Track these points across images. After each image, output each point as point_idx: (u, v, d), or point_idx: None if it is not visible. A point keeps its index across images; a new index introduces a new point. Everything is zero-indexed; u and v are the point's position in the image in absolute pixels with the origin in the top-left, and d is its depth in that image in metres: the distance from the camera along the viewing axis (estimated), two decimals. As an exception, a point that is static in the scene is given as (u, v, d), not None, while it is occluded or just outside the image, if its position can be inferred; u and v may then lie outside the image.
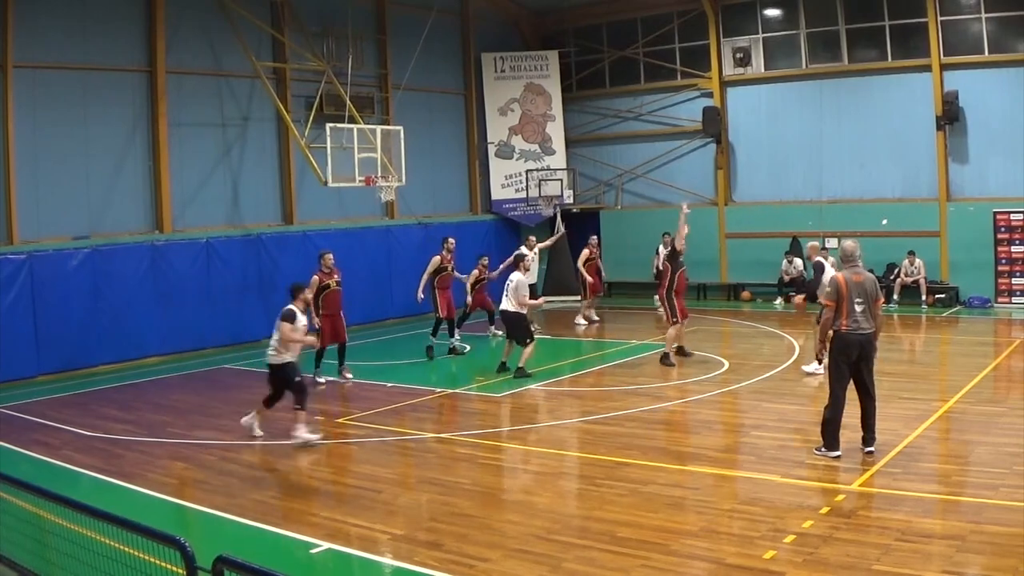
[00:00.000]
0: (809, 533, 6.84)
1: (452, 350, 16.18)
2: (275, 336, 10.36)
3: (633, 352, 15.88)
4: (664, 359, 14.30)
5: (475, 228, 23.61)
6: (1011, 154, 19.35)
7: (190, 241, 17.61)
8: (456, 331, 16.48)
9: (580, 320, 19.44)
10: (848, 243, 9.13)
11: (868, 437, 8.89)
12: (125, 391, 14.25)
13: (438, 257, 16.23)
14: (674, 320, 14.48)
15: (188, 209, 18.09)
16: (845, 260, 9.02)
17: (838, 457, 8.70)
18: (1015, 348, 15.11)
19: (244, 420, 10.88)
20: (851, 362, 8.75)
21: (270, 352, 10.42)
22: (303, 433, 10.33)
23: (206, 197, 18.46)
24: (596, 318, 19.72)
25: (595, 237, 20.02)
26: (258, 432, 10.71)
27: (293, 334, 10.30)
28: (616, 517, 7.50)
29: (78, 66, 16.38)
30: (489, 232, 24.03)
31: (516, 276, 14.04)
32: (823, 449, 8.89)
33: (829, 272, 12.92)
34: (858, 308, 8.71)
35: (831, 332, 8.91)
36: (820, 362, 12.80)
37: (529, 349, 13.91)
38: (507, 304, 13.91)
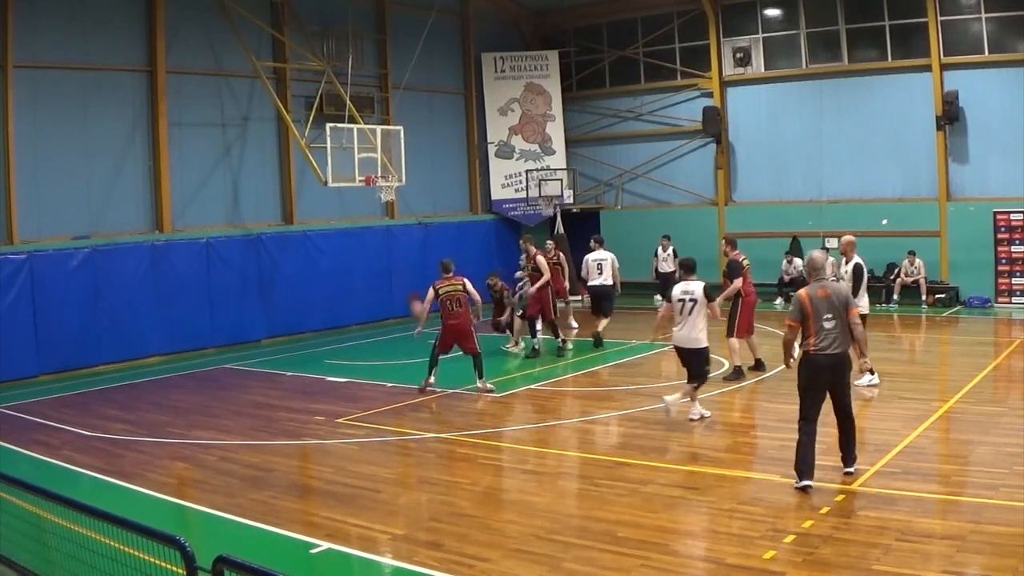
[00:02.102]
0: (809, 533, 6.84)
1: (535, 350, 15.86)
2: (700, 319, 10.44)
3: (633, 352, 15.87)
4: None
5: (475, 228, 23.62)
6: (1011, 154, 19.35)
7: (190, 241, 17.61)
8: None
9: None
10: (817, 254, 8.25)
11: (847, 457, 8.19)
12: (125, 391, 14.25)
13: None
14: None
15: (188, 209, 18.09)
16: (812, 273, 8.12)
17: (807, 488, 7.75)
18: (1015, 348, 15.11)
19: (694, 412, 10.60)
20: (821, 387, 7.95)
21: (699, 336, 10.49)
22: (699, 408, 10.62)
23: (206, 197, 18.47)
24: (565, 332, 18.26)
25: (549, 242, 18.69)
26: (706, 412, 10.71)
27: (717, 309, 10.71)
28: (616, 517, 7.50)
29: (78, 66, 16.39)
30: (489, 232, 24.04)
31: (610, 255, 16.39)
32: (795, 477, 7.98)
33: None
34: (827, 325, 7.84)
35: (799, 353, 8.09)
36: (872, 372, 12.02)
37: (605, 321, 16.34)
38: (605, 279, 16.30)
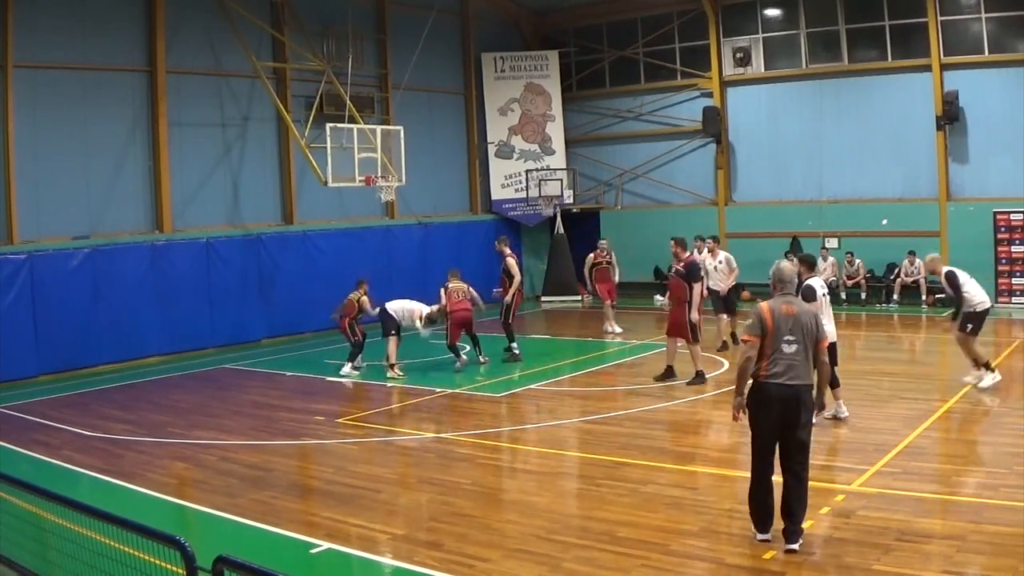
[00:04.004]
0: (809, 533, 6.83)
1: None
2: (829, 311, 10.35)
3: (633, 352, 15.87)
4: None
5: (475, 228, 23.62)
6: (1011, 154, 19.35)
7: (190, 241, 17.61)
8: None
9: (607, 327, 18.01)
10: (785, 264, 7.07)
11: (789, 529, 6.58)
12: (125, 391, 14.25)
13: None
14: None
15: (188, 209, 18.10)
16: (777, 285, 6.88)
17: (766, 541, 6.71)
18: (1015, 348, 15.11)
19: (841, 411, 10.26)
20: (772, 424, 6.59)
21: (833, 330, 10.26)
22: (842, 406, 10.32)
23: (206, 197, 18.47)
24: (618, 329, 18.01)
25: (603, 240, 18.95)
26: (845, 411, 10.35)
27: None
28: (616, 517, 7.50)
29: (78, 66, 16.38)
30: (489, 232, 23.99)
31: (707, 259, 15.97)
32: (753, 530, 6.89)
33: (968, 281, 11.81)
34: (787, 349, 6.57)
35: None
36: (991, 369, 11.80)
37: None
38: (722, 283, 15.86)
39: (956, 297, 11.86)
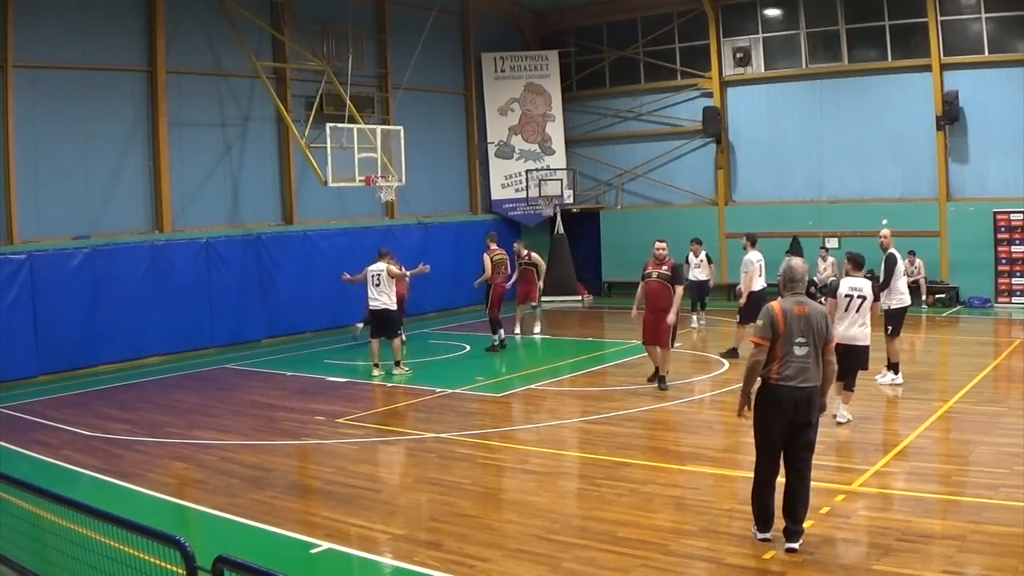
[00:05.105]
0: (809, 533, 6.82)
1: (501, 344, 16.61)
2: (865, 316, 10.15)
3: (633, 352, 15.86)
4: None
5: (475, 228, 23.57)
6: (1011, 154, 19.36)
7: (190, 241, 17.60)
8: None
9: (517, 329, 17.92)
10: (796, 262, 6.83)
11: (790, 528, 6.54)
12: (125, 391, 14.25)
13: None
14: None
15: (188, 209, 18.09)
16: (788, 284, 6.74)
17: (766, 541, 6.69)
18: (1015, 348, 15.11)
19: (841, 415, 10.02)
20: (783, 426, 6.51)
21: (860, 333, 10.15)
22: (845, 410, 10.13)
23: (206, 197, 18.47)
24: (536, 328, 18.15)
25: (517, 242, 18.67)
26: (850, 416, 10.08)
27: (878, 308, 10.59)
28: (616, 517, 7.50)
29: (78, 66, 16.38)
30: (489, 232, 24.00)
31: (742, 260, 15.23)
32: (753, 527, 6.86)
33: (901, 269, 12.09)
34: (798, 351, 6.46)
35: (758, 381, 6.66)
36: (895, 370, 12.06)
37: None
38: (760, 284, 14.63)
39: (884, 280, 11.93)
